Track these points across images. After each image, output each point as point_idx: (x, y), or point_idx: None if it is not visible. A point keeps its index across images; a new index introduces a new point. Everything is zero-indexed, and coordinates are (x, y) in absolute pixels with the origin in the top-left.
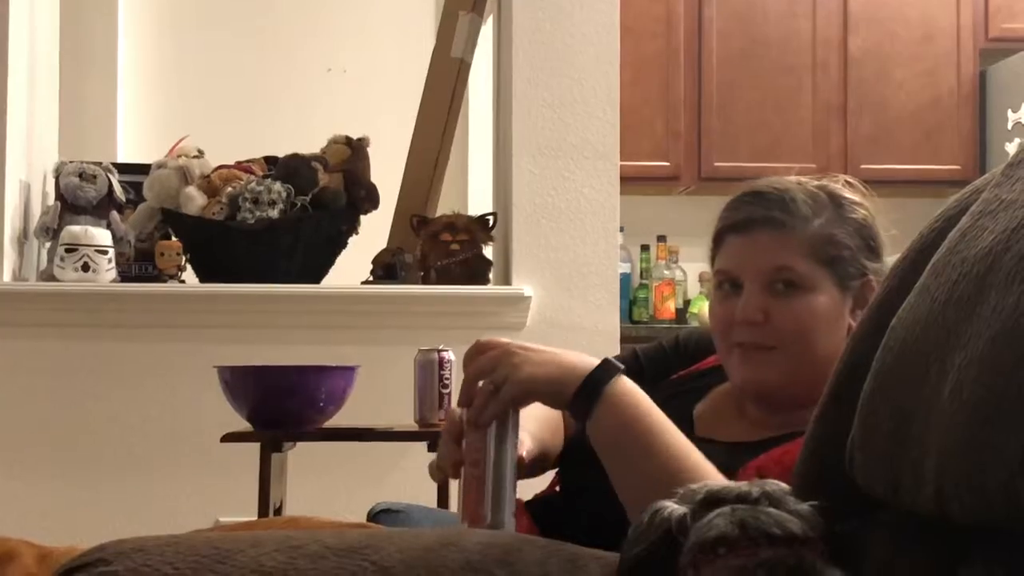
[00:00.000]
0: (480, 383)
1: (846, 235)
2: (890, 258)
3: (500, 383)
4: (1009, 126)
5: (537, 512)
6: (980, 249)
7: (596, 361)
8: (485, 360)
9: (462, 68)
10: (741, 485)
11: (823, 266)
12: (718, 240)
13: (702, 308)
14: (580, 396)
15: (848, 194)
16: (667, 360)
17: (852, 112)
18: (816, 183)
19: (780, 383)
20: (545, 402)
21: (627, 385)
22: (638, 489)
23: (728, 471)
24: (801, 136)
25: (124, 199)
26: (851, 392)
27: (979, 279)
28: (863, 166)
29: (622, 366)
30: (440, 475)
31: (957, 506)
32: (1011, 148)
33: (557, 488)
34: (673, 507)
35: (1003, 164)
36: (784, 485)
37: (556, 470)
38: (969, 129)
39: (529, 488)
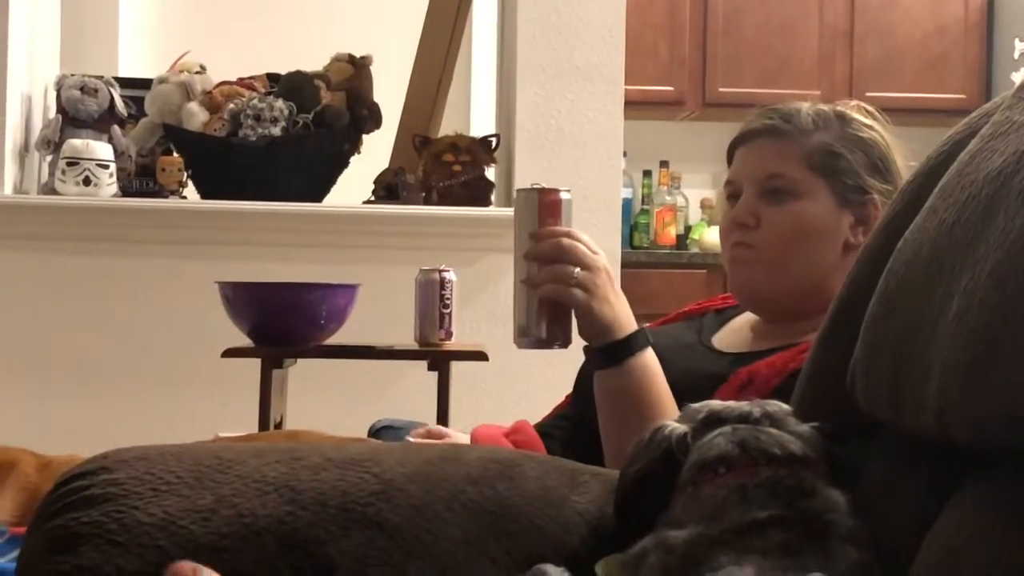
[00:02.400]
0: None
1: (847, 150)
2: None
3: (575, 285)
4: (1016, 55)
5: (546, 434)
6: (990, 171)
7: (633, 327)
8: (582, 254)
9: None
10: (742, 405)
11: (820, 176)
12: (730, 155)
13: (703, 235)
14: (605, 351)
15: (857, 115)
16: None
17: (858, 39)
18: (828, 105)
19: (764, 285)
20: (582, 333)
21: (643, 359)
22: (622, 441)
23: (725, 377)
24: (807, 62)
25: (125, 114)
26: (855, 314)
27: (988, 200)
28: (868, 93)
29: (650, 341)
30: None
31: (959, 429)
32: (1017, 78)
33: (564, 411)
34: (674, 426)
35: (1012, 89)
36: (785, 406)
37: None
38: (975, 58)
39: (536, 412)
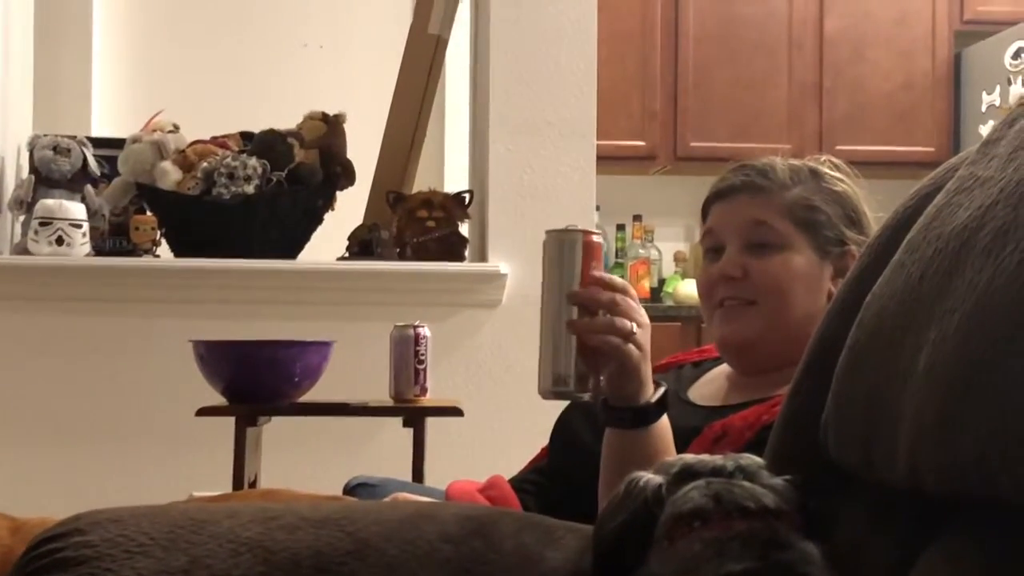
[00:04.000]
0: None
1: (824, 203)
2: None
3: (622, 335)
4: (983, 108)
5: (521, 488)
6: (955, 225)
7: (653, 393)
8: (637, 310)
9: (439, 45)
10: (716, 458)
11: (800, 229)
12: (705, 211)
13: (677, 287)
14: (634, 413)
15: (827, 169)
16: None
17: (827, 93)
18: (799, 160)
19: (758, 338)
20: (616, 390)
21: (664, 422)
22: None
23: (699, 430)
24: (777, 116)
25: (99, 173)
26: (825, 366)
27: (954, 255)
28: (838, 147)
29: (665, 405)
30: None
31: (930, 481)
32: (984, 130)
33: (540, 464)
34: (648, 477)
35: (979, 143)
36: (759, 459)
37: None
38: (943, 111)
39: (512, 466)
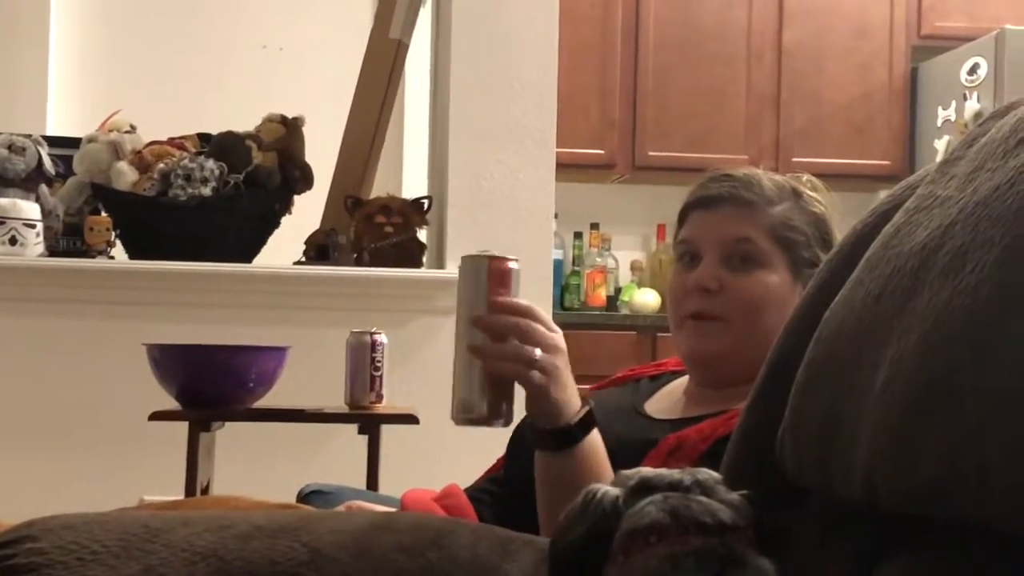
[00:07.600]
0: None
1: (803, 223)
2: None
3: (537, 367)
4: (939, 123)
5: (476, 498)
6: (914, 244)
7: (578, 407)
8: (542, 335)
9: (400, 49)
10: (673, 473)
11: (780, 248)
12: (683, 216)
13: (633, 296)
14: (553, 436)
15: (806, 189)
16: None
17: (785, 104)
18: (781, 176)
19: (726, 355)
20: (531, 412)
21: (588, 443)
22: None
23: (655, 443)
24: (734, 127)
25: (53, 172)
26: (783, 382)
27: (913, 274)
28: (794, 159)
29: (596, 422)
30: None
31: (886, 498)
32: (940, 145)
33: (496, 474)
34: (606, 489)
35: (937, 161)
36: (715, 474)
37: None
38: (899, 125)
39: (468, 475)
